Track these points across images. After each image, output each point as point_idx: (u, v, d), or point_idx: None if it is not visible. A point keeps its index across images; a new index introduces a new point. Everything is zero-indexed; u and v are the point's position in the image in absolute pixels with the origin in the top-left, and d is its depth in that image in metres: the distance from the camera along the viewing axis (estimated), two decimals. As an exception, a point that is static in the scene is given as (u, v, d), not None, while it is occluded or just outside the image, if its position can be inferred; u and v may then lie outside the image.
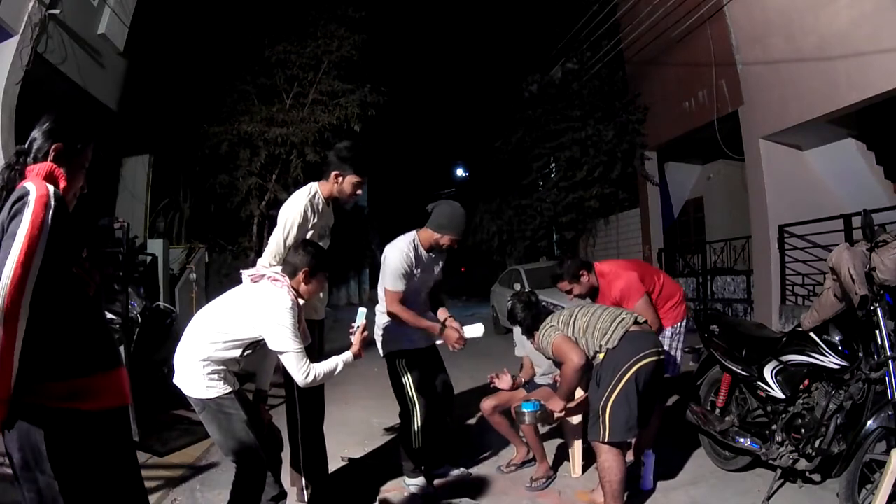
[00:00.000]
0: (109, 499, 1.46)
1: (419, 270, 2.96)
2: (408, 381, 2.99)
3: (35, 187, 1.38)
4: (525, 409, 2.87)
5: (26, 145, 1.54)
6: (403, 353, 2.99)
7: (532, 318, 2.94)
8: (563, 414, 2.84)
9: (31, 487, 1.36)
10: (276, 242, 2.59)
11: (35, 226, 1.32)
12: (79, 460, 1.39)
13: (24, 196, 1.36)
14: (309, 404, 2.82)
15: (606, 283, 3.27)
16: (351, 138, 2.72)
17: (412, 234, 2.99)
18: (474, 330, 3.04)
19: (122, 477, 1.52)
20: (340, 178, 2.71)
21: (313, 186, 2.75)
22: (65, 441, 1.37)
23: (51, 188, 1.40)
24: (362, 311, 2.45)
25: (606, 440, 2.50)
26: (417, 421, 2.95)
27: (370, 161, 2.81)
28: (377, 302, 3.12)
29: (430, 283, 3.13)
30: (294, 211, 2.62)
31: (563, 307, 3.02)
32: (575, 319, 2.76)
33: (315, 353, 2.45)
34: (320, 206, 2.72)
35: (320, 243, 2.60)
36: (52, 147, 1.52)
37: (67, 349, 1.41)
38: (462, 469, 3.27)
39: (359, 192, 2.80)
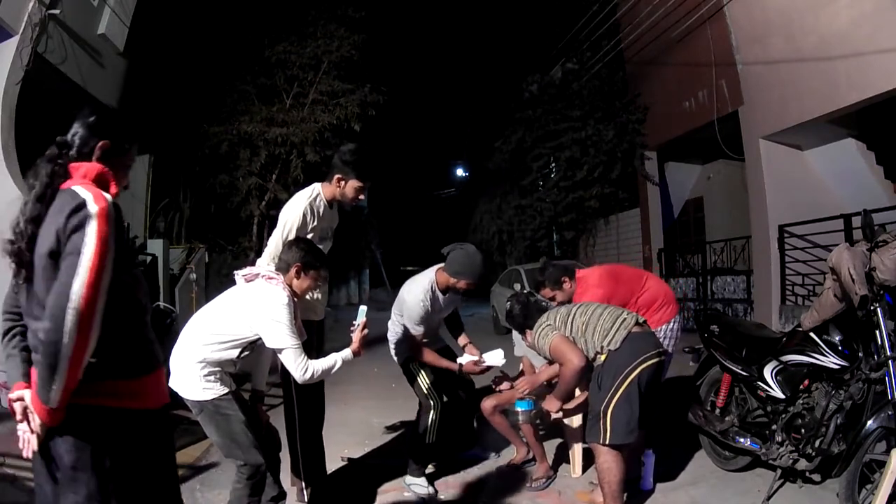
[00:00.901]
0: (155, 497, 1.46)
1: (432, 311, 3.08)
2: (423, 379, 3.09)
3: (92, 197, 1.30)
4: (519, 408, 2.85)
5: (68, 138, 1.44)
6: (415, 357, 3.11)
7: (524, 315, 2.90)
8: (559, 414, 2.82)
9: (80, 490, 1.31)
10: (275, 244, 2.59)
11: (102, 242, 1.26)
12: (132, 459, 1.38)
13: (82, 207, 1.28)
14: (307, 406, 2.82)
15: (577, 295, 3.28)
16: (356, 142, 2.71)
17: (430, 277, 3.07)
18: (494, 358, 3.16)
19: (165, 475, 1.52)
20: (343, 182, 2.71)
21: (315, 188, 2.75)
22: (120, 440, 1.36)
23: (108, 197, 1.34)
24: (363, 308, 2.45)
25: (607, 443, 2.47)
26: (434, 416, 3.01)
27: (374, 166, 2.81)
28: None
29: (444, 315, 3.31)
30: (294, 213, 2.62)
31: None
32: (573, 318, 2.70)
33: (314, 353, 2.45)
34: (321, 209, 2.72)
35: (321, 245, 2.60)
36: (99, 144, 1.44)
37: (124, 352, 1.39)
38: (493, 453, 3.46)
39: (361, 196, 2.79)
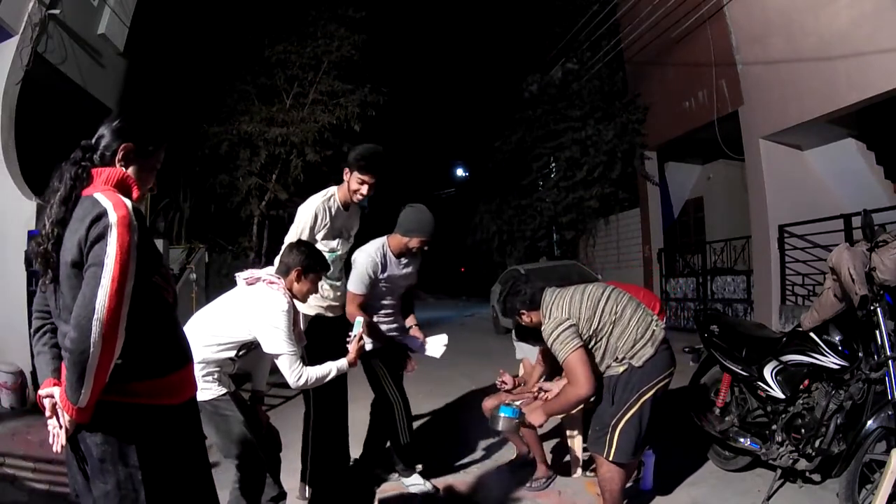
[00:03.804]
0: (186, 487, 1.48)
1: (386, 275, 2.96)
2: (386, 378, 2.99)
3: (112, 205, 1.31)
4: (502, 414, 2.67)
5: (93, 141, 1.45)
6: (378, 352, 2.96)
7: (528, 296, 2.56)
8: (542, 426, 2.71)
9: (108, 479, 1.35)
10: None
11: (123, 251, 1.28)
12: (161, 451, 1.41)
13: (102, 216, 1.29)
14: (324, 408, 2.88)
15: None
16: (368, 143, 2.78)
17: (382, 240, 3.00)
18: (435, 344, 3.04)
19: (195, 465, 1.53)
20: (348, 175, 2.82)
21: (331, 190, 2.88)
22: (148, 434, 1.39)
23: (128, 204, 1.34)
24: (359, 320, 2.47)
25: (611, 459, 2.39)
26: (403, 416, 2.97)
27: (376, 161, 2.82)
28: None
29: (400, 289, 3.12)
30: (306, 214, 2.74)
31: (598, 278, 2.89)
32: (603, 311, 2.45)
33: (332, 349, 2.51)
34: (334, 209, 2.83)
35: (335, 243, 2.78)
36: (122, 147, 1.44)
37: (151, 353, 1.42)
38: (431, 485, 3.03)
39: (363, 190, 2.81)
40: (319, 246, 2.75)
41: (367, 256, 2.89)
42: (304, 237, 2.67)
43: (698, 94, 9.08)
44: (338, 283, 2.96)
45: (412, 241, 2.90)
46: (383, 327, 3.01)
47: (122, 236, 1.28)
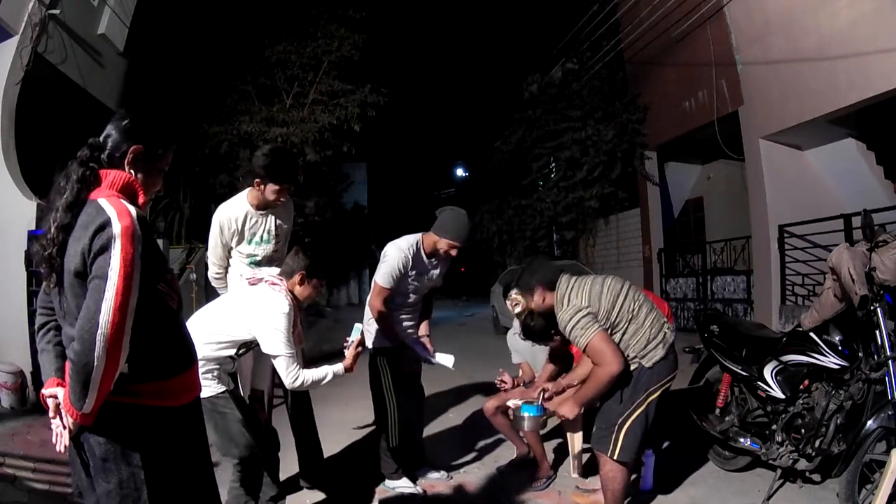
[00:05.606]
0: (188, 487, 1.48)
1: (414, 273, 2.94)
2: (387, 379, 2.97)
3: (116, 214, 1.28)
4: (526, 413, 2.64)
5: (101, 140, 1.42)
6: (387, 351, 2.97)
7: (549, 275, 2.52)
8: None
9: (111, 478, 1.35)
10: (210, 249, 2.88)
11: (127, 264, 1.25)
12: (164, 451, 1.41)
13: (105, 226, 1.27)
14: (295, 403, 2.95)
15: None
16: (270, 149, 2.78)
17: (417, 237, 2.98)
18: (445, 360, 3.05)
19: (198, 465, 1.53)
20: (262, 187, 2.73)
21: (242, 195, 2.87)
22: (152, 434, 1.38)
23: (133, 212, 1.32)
24: (358, 326, 2.48)
25: (616, 458, 2.39)
26: (395, 419, 2.95)
27: (288, 167, 2.82)
28: None
29: (424, 289, 3.10)
30: (213, 223, 2.83)
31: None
32: (622, 307, 2.42)
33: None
34: (241, 218, 2.83)
35: (262, 248, 2.84)
36: (131, 149, 1.41)
37: (155, 357, 1.41)
38: (442, 472, 3.21)
39: (282, 199, 2.81)
40: (237, 254, 2.87)
41: (398, 251, 2.87)
42: (211, 247, 2.85)
43: (698, 94, 9.09)
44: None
45: (440, 243, 2.86)
46: (401, 325, 3.01)
47: (125, 248, 1.26)
